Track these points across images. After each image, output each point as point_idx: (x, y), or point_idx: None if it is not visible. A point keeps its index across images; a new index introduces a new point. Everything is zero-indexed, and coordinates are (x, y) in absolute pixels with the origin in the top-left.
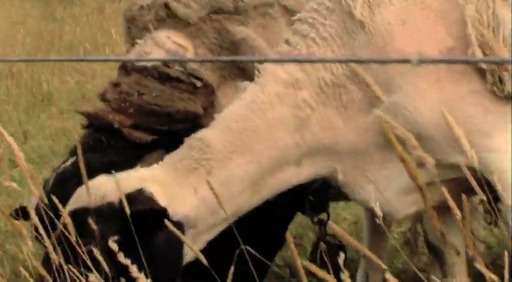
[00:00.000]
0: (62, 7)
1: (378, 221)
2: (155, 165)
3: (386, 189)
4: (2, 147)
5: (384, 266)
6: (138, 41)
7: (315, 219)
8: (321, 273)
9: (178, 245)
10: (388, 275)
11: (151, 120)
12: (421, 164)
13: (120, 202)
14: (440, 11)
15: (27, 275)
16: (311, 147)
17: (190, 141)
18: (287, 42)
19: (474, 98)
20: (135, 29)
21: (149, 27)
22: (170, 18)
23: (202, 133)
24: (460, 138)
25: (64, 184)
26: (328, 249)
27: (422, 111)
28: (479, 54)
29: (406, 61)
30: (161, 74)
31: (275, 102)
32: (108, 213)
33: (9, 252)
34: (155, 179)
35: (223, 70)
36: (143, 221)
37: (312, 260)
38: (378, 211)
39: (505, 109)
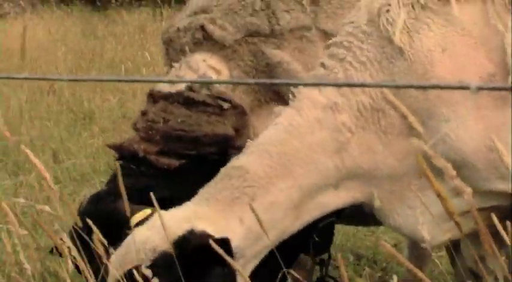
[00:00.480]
0: (104, 25)
1: (423, 245)
2: (192, 202)
3: (423, 215)
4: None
5: None
6: (174, 64)
7: (317, 260)
8: None
9: (234, 277)
10: None
11: (178, 145)
12: (459, 192)
13: (176, 247)
14: (480, 37)
15: None
16: (350, 171)
17: (227, 170)
18: (323, 65)
19: None
20: (172, 51)
21: (185, 50)
22: (206, 41)
23: (239, 161)
24: (508, 165)
25: (98, 202)
26: None
27: (465, 138)
28: None
29: (465, 88)
30: (187, 99)
31: (314, 125)
32: (166, 264)
33: (50, 269)
34: (199, 216)
35: (257, 93)
36: (201, 258)
37: None
38: (426, 235)
39: None
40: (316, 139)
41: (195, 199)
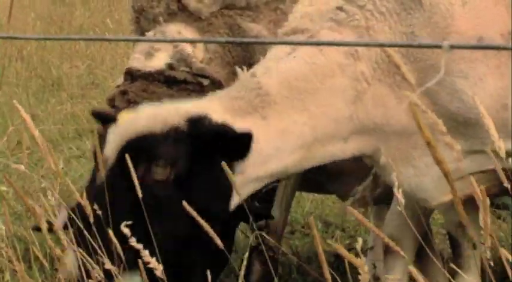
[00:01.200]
0: None
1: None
2: (212, 97)
3: (426, 175)
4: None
5: (404, 255)
6: (147, 33)
7: (256, 226)
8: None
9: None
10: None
11: None
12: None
13: (188, 125)
14: None
15: (41, 256)
16: (362, 123)
17: (248, 81)
18: (341, 9)
19: None
20: (144, 20)
21: (159, 20)
22: (181, 12)
23: (260, 78)
24: None
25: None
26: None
27: (482, 96)
28: None
29: (438, 46)
30: (167, 78)
31: (336, 70)
32: (176, 137)
33: (18, 233)
34: (215, 110)
35: (232, 66)
36: (213, 144)
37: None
38: (427, 194)
39: None
40: (337, 84)
41: (214, 96)
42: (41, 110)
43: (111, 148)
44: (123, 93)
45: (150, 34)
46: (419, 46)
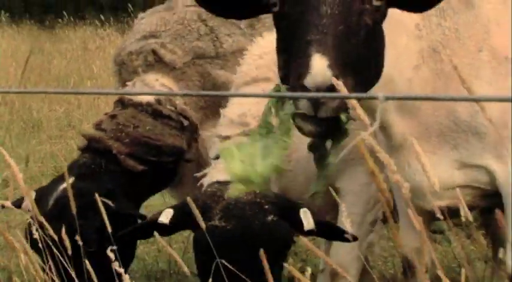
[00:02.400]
0: (51, 42)
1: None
2: None
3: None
4: None
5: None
6: (128, 83)
7: None
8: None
9: None
10: None
11: (144, 150)
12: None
13: None
14: None
15: None
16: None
17: None
18: None
19: None
20: (125, 72)
21: (138, 71)
22: (158, 63)
23: None
24: None
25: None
26: None
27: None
28: None
29: (374, 98)
30: (155, 111)
31: (402, 32)
32: None
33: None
34: None
35: (205, 109)
36: None
37: None
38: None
39: None
40: (404, 44)
41: None
42: (22, 149)
43: None
44: (113, 117)
45: (130, 84)
46: (356, 97)
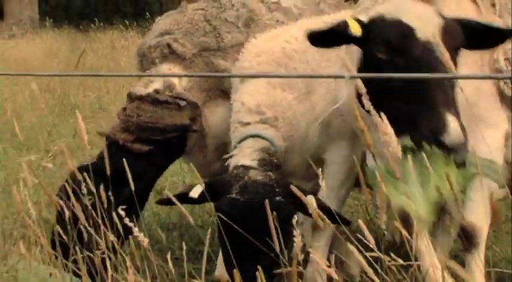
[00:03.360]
0: (85, 43)
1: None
2: None
3: None
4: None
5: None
6: (147, 71)
7: None
8: None
9: None
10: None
11: (148, 133)
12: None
13: None
14: None
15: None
16: None
17: None
18: None
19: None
20: (145, 62)
21: (155, 62)
22: (171, 55)
23: None
24: None
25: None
26: None
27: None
28: None
29: (341, 77)
30: (154, 100)
31: None
32: None
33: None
34: None
35: (209, 91)
36: None
37: None
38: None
39: None
40: None
41: None
42: (62, 127)
43: None
44: (124, 109)
45: (148, 72)
46: (322, 76)
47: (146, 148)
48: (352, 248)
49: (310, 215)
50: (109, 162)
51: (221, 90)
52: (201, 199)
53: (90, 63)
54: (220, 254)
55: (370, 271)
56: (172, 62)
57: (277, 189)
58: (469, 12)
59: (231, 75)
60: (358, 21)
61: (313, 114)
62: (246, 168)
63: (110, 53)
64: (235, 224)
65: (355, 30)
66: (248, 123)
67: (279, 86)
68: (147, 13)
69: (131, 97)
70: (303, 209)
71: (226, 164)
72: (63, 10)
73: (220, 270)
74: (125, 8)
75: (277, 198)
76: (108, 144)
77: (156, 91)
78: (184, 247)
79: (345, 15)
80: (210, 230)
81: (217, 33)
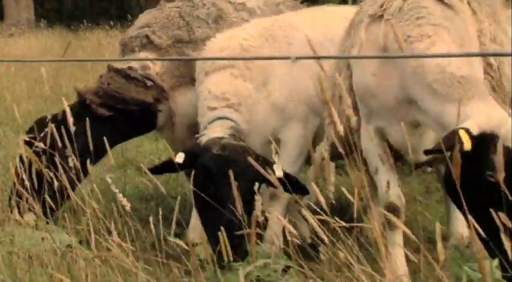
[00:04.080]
0: (75, 40)
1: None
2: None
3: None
4: None
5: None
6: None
7: None
8: None
9: None
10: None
11: (112, 101)
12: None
13: None
14: None
15: None
16: None
17: None
18: None
19: None
20: (126, 50)
21: (135, 50)
22: (149, 44)
23: None
24: None
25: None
26: None
27: None
28: None
29: (287, 58)
30: (125, 74)
31: None
32: None
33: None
34: None
35: (179, 77)
36: None
37: None
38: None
39: None
40: None
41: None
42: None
43: None
44: (100, 77)
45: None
46: (269, 58)
47: (107, 113)
48: (305, 212)
49: (272, 185)
50: (74, 119)
51: (191, 78)
52: (185, 164)
53: (80, 57)
54: (192, 219)
55: (320, 231)
56: (150, 50)
57: (250, 152)
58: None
59: (196, 58)
60: (468, 132)
61: (269, 101)
62: (220, 138)
63: (97, 49)
64: (213, 176)
65: (467, 144)
66: (215, 108)
67: (240, 77)
68: (129, 15)
69: (109, 69)
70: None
71: (198, 141)
72: (56, 12)
73: (191, 234)
74: (109, 11)
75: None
76: (77, 101)
77: (130, 68)
78: (161, 213)
79: None
80: (179, 199)
81: (189, 27)
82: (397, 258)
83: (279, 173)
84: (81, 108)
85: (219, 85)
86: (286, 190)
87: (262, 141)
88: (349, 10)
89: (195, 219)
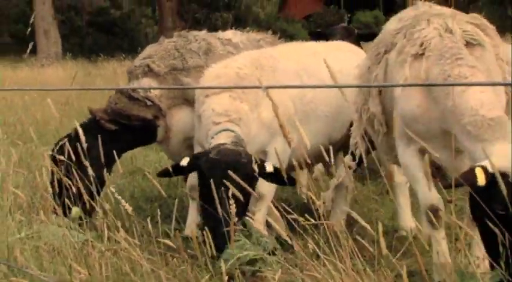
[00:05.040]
0: (94, 70)
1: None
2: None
3: None
4: None
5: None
6: (130, 83)
7: None
8: None
9: None
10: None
11: (118, 117)
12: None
13: None
14: None
15: None
16: None
17: None
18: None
19: None
20: (132, 77)
21: (139, 76)
22: (150, 72)
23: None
24: None
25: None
26: None
27: None
28: None
29: (258, 87)
30: (129, 96)
31: None
32: None
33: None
34: None
35: (173, 99)
36: None
37: None
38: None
39: None
40: None
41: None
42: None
43: None
44: (110, 97)
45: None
46: (243, 87)
47: (113, 127)
48: (277, 212)
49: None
50: (87, 132)
51: (184, 99)
52: (189, 167)
53: (98, 85)
54: (188, 217)
55: (283, 232)
56: (150, 77)
57: (243, 155)
58: None
59: (191, 87)
60: (485, 169)
61: (259, 119)
62: (222, 144)
63: (112, 77)
64: (209, 176)
65: (481, 181)
66: (220, 123)
67: (238, 99)
68: (139, 48)
69: (116, 91)
70: (261, 169)
71: (210, 148)
72: (79, 47)
73: (189, 230)
74: (122, 45)
75: (243, 160)
76: (89, 118)
77: (133, 90)
78: (159, 213)
79: None
80: (177, 200)
81: (183, 58)
82: (444, 251)
83: (270, 168)
84: (92, 123)
85: (221, 105)
86: (278, 182)
87: (254, 152)
88: (316, 45)
89: (191, 217)
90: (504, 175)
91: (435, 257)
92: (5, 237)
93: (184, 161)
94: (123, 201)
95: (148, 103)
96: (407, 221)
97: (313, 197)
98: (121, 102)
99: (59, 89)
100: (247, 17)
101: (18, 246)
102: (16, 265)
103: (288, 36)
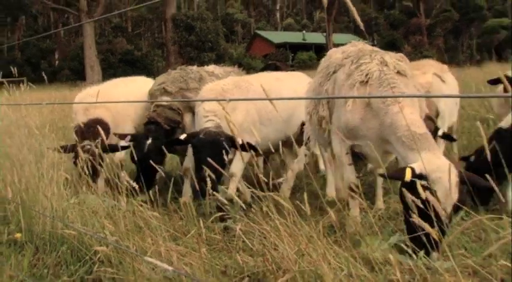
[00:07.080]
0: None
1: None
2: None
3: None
4: None
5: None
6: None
7: None
8: None
9: None
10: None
11: (168, 121)
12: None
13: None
14: None
15: None
16: None
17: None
18: None
19: None
20: (151, 97)
21: (157, 95)
22: (165, 92)
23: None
24: None
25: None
26: None
27: None
28: None
29: (223, 100)
30: (170, 107)
31: None
32: None
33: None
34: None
35: (184, 108)
36: None
37: None
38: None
39: None
40: None
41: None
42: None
43: None
44: (154, 111)
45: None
46: (206, 99)
47: (168, 127)
48: (243, 185)
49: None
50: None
51: (189, 107)
52: (185, 140)
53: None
54: (184, 188)
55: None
56: (166, 95)
57: (222, 136)
58: None
59: (195, 99)
60: (413, 170)
61: (236, 120)
62: (207, 128)
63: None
64: (199, 152)
65: (407, 177)
66: (207, 116)
67: (222, 104)
68: (153, 76)
69: (157, 106)
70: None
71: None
72: (113, 76)
73: (184, 198)
74: (142, 75)
75: (222, 139)
76: (152, 124)
77: (170, 105)
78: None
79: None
80: (173, 178)
81: (186, 82)
82: (356, 212)
83: (239, 141)
84: (155, 127)
85: (210, 106)
86: (244, 150)
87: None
88: (278, 74)
89: (185, 189)
90: (421, 176)
91: (350, 215)
92: (60, 203)
93: (183, 136)
94: (131, 181)
95: (179, 111)
96: (331, 189)
97: (262, 177)
98: (166, 112)
99: (103, 102)
100: (225, 56)
101: (69, 209)
102: (68, 222)
103: (252, 68)
